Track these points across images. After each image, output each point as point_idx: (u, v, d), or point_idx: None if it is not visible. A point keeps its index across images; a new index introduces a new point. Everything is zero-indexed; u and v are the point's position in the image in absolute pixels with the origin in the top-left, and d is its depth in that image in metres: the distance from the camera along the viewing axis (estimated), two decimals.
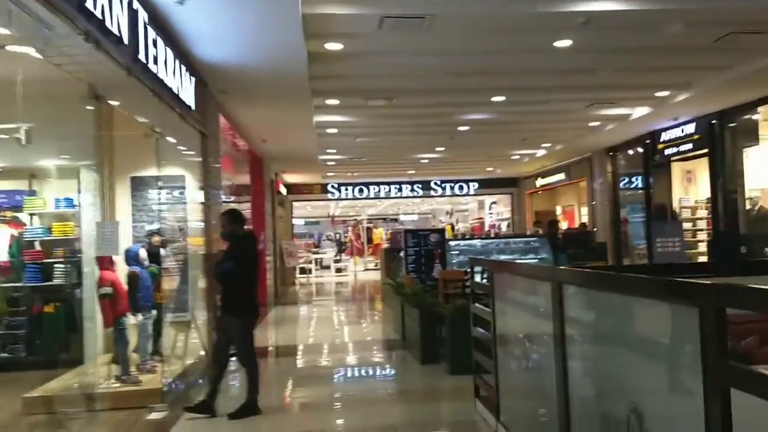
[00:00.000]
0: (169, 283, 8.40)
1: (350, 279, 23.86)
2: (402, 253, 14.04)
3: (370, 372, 7.87)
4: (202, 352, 8.39)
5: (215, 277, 6.50)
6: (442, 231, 12.44)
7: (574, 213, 21.91)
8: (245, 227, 6.59)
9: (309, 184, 21.70)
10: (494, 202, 29.67)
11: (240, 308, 6.04)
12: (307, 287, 21.54)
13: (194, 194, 8.91)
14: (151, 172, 8.62)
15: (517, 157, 18.76)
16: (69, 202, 8.87)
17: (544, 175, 21.53)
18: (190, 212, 8.83)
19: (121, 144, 8.36)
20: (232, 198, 13.52)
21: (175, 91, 6.78)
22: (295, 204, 25.21)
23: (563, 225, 18.29)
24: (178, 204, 8.86)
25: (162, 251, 8.06)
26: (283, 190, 22.06)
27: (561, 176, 20.04)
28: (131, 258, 7.26)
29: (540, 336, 4.14)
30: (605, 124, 13.38)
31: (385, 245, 27.58)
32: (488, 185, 24.24)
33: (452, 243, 12.51)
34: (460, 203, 35.50)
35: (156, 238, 8.46)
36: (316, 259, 26.23)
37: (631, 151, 15.77)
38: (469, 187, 24.14)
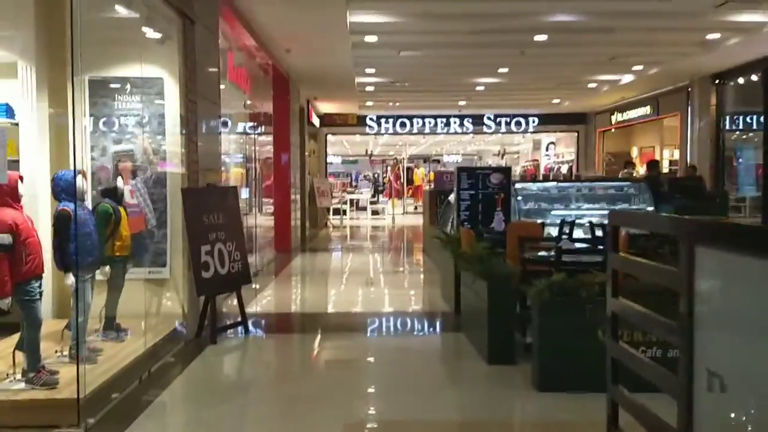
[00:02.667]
0: (137, 227, 5.99)
1: (388, 223, 21.34)
2: (453, 197, 11.40)
3: (410, 377, 5.25)
4: (178, 324, 6.02)
5: None
6: (507, 170, 9.69)
7: (655, 156, 18.77)
8: None
9: (344, 114, 18.96)
10: (552, 143, 26.51)
11: None
12: (339, 230, 19.17)
13: (176, 106, 6.37)
14: (119, 71, 6.21)
15: (595, 84, 15.62)
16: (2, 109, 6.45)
17: (622, 109, 18.30)
18: (170, 131, 6.30)
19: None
20: (252, 126, 11.01)
21: None
22: (329, 138, 22.61)
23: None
24: (153, 118, 6.33)
25: (121, 183, 5.61)
26: (316, 121, 19.45)
27: (646, 110, 16.82)
28: (62, 189, 4.82)
29: None
30: (729, 37, 10.22)
31: (427, 187, 25.01)
32: (551, 121, 21.10)
33: (519, 186, 9.78)
34: (512, 143, 32.32)
35: (125, 165, 6.07)
36: (351, 200, 23.79)
37: (745, 79, 12.56)
38: (528, 123, 21.07)
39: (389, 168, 29.61)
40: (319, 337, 6.62)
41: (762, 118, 11.88)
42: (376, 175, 34.23)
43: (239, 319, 6.38)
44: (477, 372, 5.08)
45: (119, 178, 5.60)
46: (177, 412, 4.59)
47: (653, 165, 10.37)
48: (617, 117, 18.79)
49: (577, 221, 9.40)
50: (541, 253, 6.11)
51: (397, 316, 7.51)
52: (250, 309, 7.42)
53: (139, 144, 6.31)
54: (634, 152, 20.09)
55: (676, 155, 18.02)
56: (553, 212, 9.67)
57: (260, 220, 11.83)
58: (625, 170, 11.59)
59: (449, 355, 5.93)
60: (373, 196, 27.13)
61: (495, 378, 4.93)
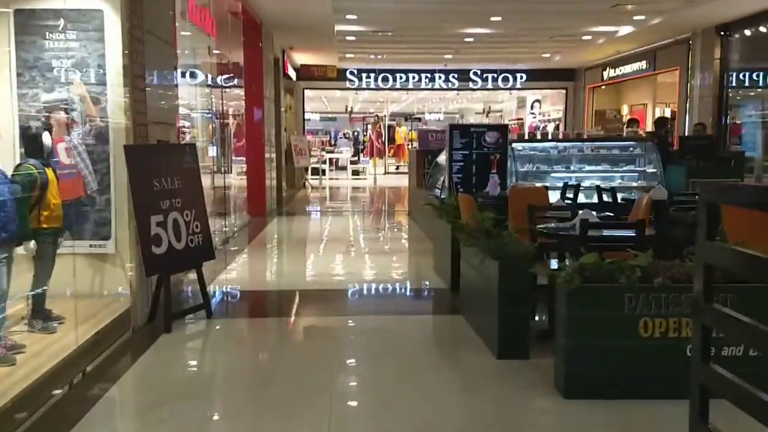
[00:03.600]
0: (74, 192, 4.97)
1: (369, 184, 20.34)
2: (443, 158, 10.46)
3: (405, 377, 4.33)
4: (124, 309, 5.06)
5: None
6: (504, 128, 8.74)
7: (646, 114, 17.93)
8: None
9: (323, 66, 17.69)
10: (537, 100, 25.51)
11: None
12: (318, 191, 18.16)
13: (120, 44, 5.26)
14: (49, 2, 5.13)
15: (590, 37, 14.59)
16: None
17: (615, 64, 17.32)
18: (113, 75, 5.21)
19: None
20: (221, 77, 9.87)
21: None
22: (307, 94, 21.34)
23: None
24: (92, 60, 5.23)
25: (48, 139, 4.56)
26: (292, 73, 18.19)
27: (641, 65, 15.86)
28: None
29: None
30: None
31: (410, 146, 24.03)
32: (539, 77, 20.05)
33: (517, 146, 8.84)
34: (496, 101, 31.26)
35: (58, 117, 5.06)
36: (330, 159, 22.69)
37: (752, 31, 11.64)
38: (515, 80, 20.01)
39: (370, 126, 28.43)
40: (294, 321, 5.70)
41: None
42: (356, 134, 32.99)
43: (202, 301, 5.43)
44: (486, 369, 4.22)
45: (45, 133, 4.54)
46: (115, 428, 3.67)
47: (661, 123, 9.50)
48: (609, 73, 17.81)
49: (581, 185, 8.58)
50: (552, 224, 5.22)
51: (385, 294, 6.62)
52: (217, 285, 6.47)
53: (75, 91, 5.22)
54: (624, 110, 19.22)
55: (668, 113, 17.24)
56: (553, 175, 8.81)
57: (231, 182, 10.81)
58: (630, 128, 10.67)
59: (449, 346, 5.04)
60: (354, 155, 26.04)
61: (509, 378, 4.07)
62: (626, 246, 4.30)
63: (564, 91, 20.78)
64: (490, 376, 4.14)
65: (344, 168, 23.17)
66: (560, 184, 8.64)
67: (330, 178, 21.24)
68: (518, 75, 19.96)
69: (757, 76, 11.85)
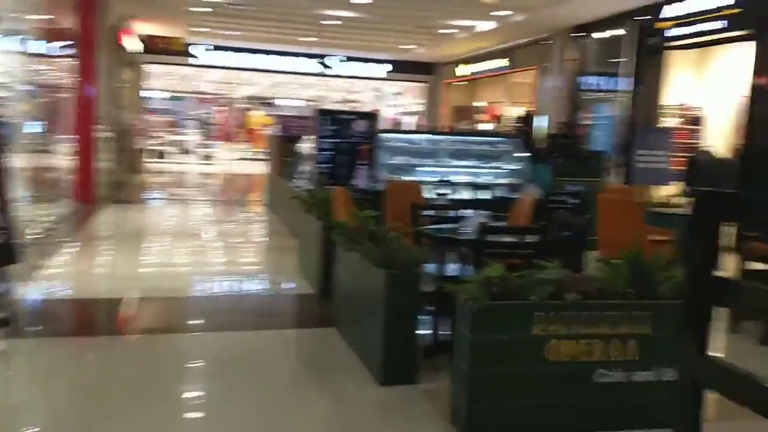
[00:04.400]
0: None
1: (221, 170, 18.85)
2: (304, 146, 9.65)
3: (261, 413, 3.52)
4: None
5: None
6: (373, 116, 8.15)
7: (501, 112, 18.35)
8: None
9: (170, 38, 15.99)
10: (398, 93, 25.41)
11: None
12: (161, 177, 16.50)
13: None
14: None
15: (451, 31, 14.47)
16: None
17: (470, 61, 17.46)
18: None
19: None
20: (45, 44, 8.28)
21: None
22: (151, 69, 19.39)
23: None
24: None
25: None
26: (135, 45, 16.31)
27: (503, 62, 16.10)
28: None
29: None
30: None
31: (269, 132, 22.79)
32: (402, 69, 19.80)
33: (385, 136, 8.25)
34: (352, 91, 30.78)
35: None
36: (175, 142, 20.89)
37: (607, 33, 12.08)
38: (380, 70, 19.61)
39: (221, 108, 26.75)
40: (121, 342, 4.59)
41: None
42: (204, 115, 30.98)
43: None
44: (369, 400, 3.53)
45: None
46: None
47: (527, 119, 9.44)
48: (466, 69, 17.94)
49: (452, 181, 8.22)
50: (438, 225, 4.66)
51: (240, 302, 5.71)
52: (27, 291, 5.17)
53: None
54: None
55: (522, 111, 17.76)
56: (419, 168, 8.36)
57: (58, 163, 9.23)
58: (515, 125, 10.49)
59: (322, 369, 4.11)
60: (203, 138, 24.32)
61: (396, 412, 3.41)
62: (525, 254, 3.83)
63: (426, 85, 20.74)
64: (375, 409, 3.47)
65: (192, 152, 21.44)
66: (429, 179, 8.25)
67: (176, 162, 19.51)
68: (383, 65, 19.58)
69: (608, 80, 12.26)
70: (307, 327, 5.02)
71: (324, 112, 7.97)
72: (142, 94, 19.02)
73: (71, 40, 10.05)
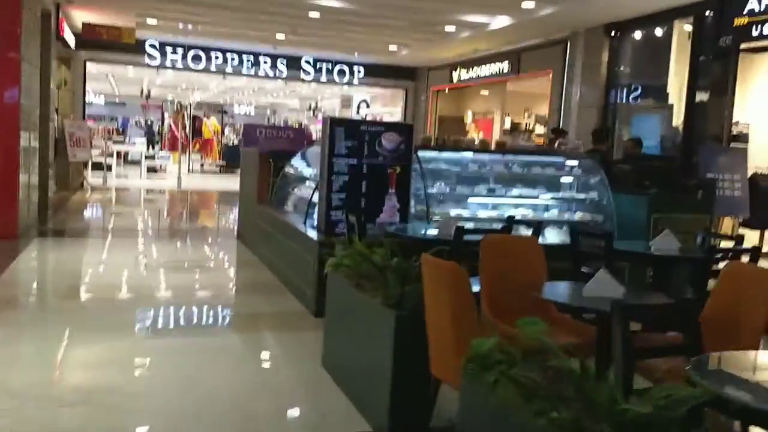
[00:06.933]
0: None
1: (172, 185, 16.10)
2: (302, 167, 7.47)
3: None
4: None
5: None
6: (407, 129, 5.96)
7: (493, 124, 16.47)
8: None
9: (115, 28, 13.35)
10: (364, 101, 23.26)
11: None
12: (102, 194, 13.86)
13: None
14: None
15: (453, 29, 12.46)
16: None
17: (469, 64, 15.49)
18: None
19: None
20: None
21: None
22: (90, 69, 16.67)
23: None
24: None
25: None
26: (70, 38, 13.65)
27: (503, 67, 14.18)
28: None
29: None
30: None
31: (233, 142, 20.28)
32: (377, 73, 17.69)
33: (427, 155, 6.05)
34: (314, 98, 28.41)
35: None
36: (119, 152, 18.15)
37: (654, 30, 10.27)
38: (353, 74, 17.44)
39: (169, 115, 23.99)
40: None
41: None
42: (150, 122, 28.09)
43: None
44: None
45: None
46: None
47: (601, 135, 7.46)
48: (461, 74, 15.95)
49: (524, 217, 6.11)
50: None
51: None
52: None
53: None
54: (468, 118, 17.72)
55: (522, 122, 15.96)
56: (470, 200, 6.24)
57: None
58: (560, 139, 8.50)
59: None
60: (150, 148, 21.57)
61: None
62: None
63: (403, 91, 18.70)
64: None
65: (137, 163, 18.71)
66: (481, 214, 6.13)
67: (118, 176, 16.80)
68: (355, 68, 17.43)
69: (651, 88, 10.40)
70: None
71: (337, 123, 5.74)
72: (81, 96, 16.27)
73: None
